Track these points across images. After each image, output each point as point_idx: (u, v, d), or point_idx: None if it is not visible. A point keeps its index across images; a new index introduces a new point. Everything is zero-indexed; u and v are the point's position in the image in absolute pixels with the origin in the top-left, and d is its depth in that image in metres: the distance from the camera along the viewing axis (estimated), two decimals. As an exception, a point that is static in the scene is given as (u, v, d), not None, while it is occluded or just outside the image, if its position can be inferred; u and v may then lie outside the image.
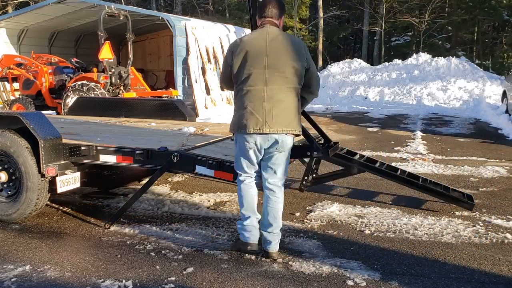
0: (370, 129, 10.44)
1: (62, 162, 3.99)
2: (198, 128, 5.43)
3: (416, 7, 25.92)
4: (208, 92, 12.92)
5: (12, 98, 11.47)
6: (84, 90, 9.99)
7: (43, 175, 3.91)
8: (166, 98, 10.81)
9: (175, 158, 3.72)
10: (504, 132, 9.74)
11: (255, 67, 3.13)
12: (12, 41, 14.67)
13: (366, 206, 4.59)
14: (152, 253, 3.49)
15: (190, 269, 3.21)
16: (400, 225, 4.06)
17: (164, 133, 5.13)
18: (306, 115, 4.20)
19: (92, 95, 9.79)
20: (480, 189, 5.30)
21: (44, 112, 4.61)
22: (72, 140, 4.25)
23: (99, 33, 10.62)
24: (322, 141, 4.27)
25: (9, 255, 3.49)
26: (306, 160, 4.89)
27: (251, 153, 3.25)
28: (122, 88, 11.01)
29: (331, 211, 4.41)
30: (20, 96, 11.24)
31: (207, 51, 13.27)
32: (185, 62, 12.57)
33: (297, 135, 3.31)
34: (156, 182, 4.31)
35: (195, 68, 12.66)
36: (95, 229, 4.02)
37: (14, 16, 14.37)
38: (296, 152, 3.82)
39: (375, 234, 3.86)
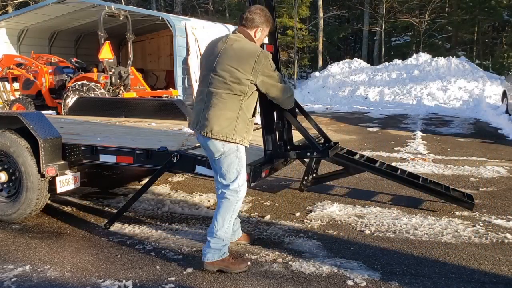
0: (370, 129, 10.44)
1: (62, 162, 3.99)
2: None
3: (416, 7, 25.92)
4: (208, 92, 12.90)
5: (12, 98, 11.47)
6: (84, 90, 9.99)
7: (43, 175, 3.91)
8: (166, 98, 10.81)
9: (175, 158, 3.72)
10: (504, 132, 9.74)
11: (206, 70, 3.13)
12: (12, 41, 14.67)
13: (366, 206, 4.59)
14: (152, 253, 3.49)
15: (190, 269, 3.21)
16: (400, 225, 4.06)
17: (164, 133, 5.13)
18: (306, 114, 4.20)
19: (92, 95, 9.79)
20: (480, 189, 5.30)
21: (44, 112, 4.62)
22: (72, 140, 4.25)
23: (99, 33, 10.62)
24: (322, 141, 4.27)
25: (9, 255, 3.49)
26: (306, 160, 4.89)
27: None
28: (122, 88, 11.01)
29: (331, 211, 4.41)
30: (20, 96, 11.24)
31: (207, 51, 13.25)
32: (185, 62, 12.56)
33: (226, 141, 3.06)
34: (156, 182, 4.31)
35: (195, 68, 12.65)
36: (95, 229, 4.02)
37: (14, 16, 14.36)
38: (297, 152, 3.83)
39: (375, 234, 3.86)
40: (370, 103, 15.83)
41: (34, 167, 3.90)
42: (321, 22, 24.07)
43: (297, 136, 4.01)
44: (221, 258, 3.17)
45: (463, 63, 17.65)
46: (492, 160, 6.96)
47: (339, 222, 4.17)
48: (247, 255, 3.44)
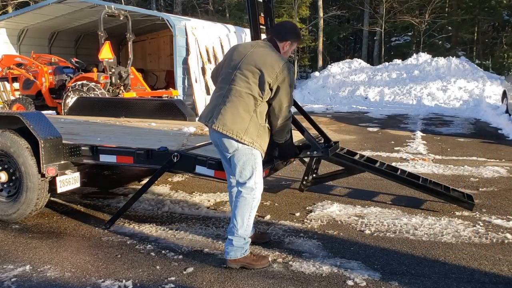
0: (370, 129, 10.44)
1: (62, 162, 3.99)
2: (198, 128, 5.42)
3: (416, 7, 25.93)
4: (208, 92, 12.91)
5: (12, 98, 11.47)
6: (84, 90, 9.99)
7: (43, 175, 3.91)
8: (166, 98, 10.81)
9: (175, 158, 3.72)
10: (504, 132, 9.74)
11: (230, 68, 3.17)
12: (12, 41, 14.67)
13: (366, 206, 4.59)
14: (152, 253, 3.49)
15: (190, 269, 3.21)
16: (400, 225, 4.06)
17: (164, 133, 5.13)
18: (306, 115, 4.21)
19: (92, 95, 9.79)
20: (480, 189, 5.30)
21: (44, 112, 4.61)
22: (72, 140, 4.25)
23: (99, 33, 10.63)
24: (322, 141, 4.27)
25: (9, 255, 3.49)
26: (306, 160, 4.89)
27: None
28: (122, 88, 11.02)
29: (331, 211, 4.41)
30: (20, 96, 11.24)
31: (207, 51, 13.27)
32: (185, 62, 12.57)
33: (239, 142, 3.08)
34: (156, 182, 4.31)
35: (195, 68, 12.66)
36: (95, 229, 4.02)
37: (14, 16, 14.37)
38: (300, 152, 3.83)
39: (375, 234, 3.86)
40: (370, 103, 15.83)
41: (34, 167, 3.90)
42: (321, 22, 24.07)
43: (297, 136, 4.01)
44: (244, 256, 3.21)
45: (463, 63, 17.65)
46: (492, 160, 6.96)
47: (339, 222, 4.17)
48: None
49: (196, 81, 12.58)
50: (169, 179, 5.66)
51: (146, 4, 28.82)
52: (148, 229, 4.01)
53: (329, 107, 15.50)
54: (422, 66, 17.54)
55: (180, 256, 3.43)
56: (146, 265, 3.29)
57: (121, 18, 11.49)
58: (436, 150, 7.78)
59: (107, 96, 10.05)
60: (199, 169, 3.69)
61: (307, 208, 4.55)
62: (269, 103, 3.16)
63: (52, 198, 4.57)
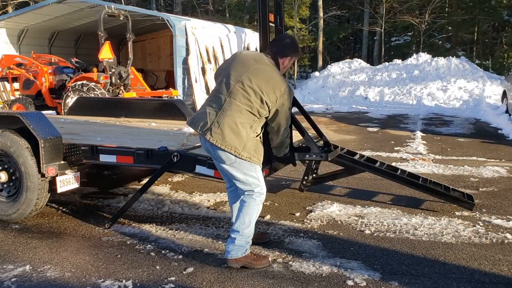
0: (370, 129, 10.43)
1: (62, 162, 3.99)
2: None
3: (416, 7, 25.92)
4: (208, 92, 12.92)
5: (12, 98, 11.47)
6: (84, 90, 9.99)
7: (43, 175, 3.91)
8: (166, 98, 10.82)
9: (175, 158, 3.72)
10: (504, 132, 9.74)
11: (231, 78, 3.13)
12: (12, 41, 14.68)
13: (366, 206, 4.59)
14: (152, 253, 3.49)
15: (190, 269, 3.21)
16: (400, 225, 4.06)
17: (164, 133, 5.13)
18: (306, 115, 4.19)
19: (92, 95, 9.80)
20: (480, 189, 5.30)
21: (44, 112, 4.61)
22: (72, 140, 4.25)
23: (99, 33, 10.63)
24: (322, 142, 4.27)
25: (9, 255, 3.49)
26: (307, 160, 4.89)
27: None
28: (122, 88, 11.02)
29: (331, 211, 4.41)
30: (20, 96, 11.24)
31: (207, 51, 13.27)
32: (185, 62, 12.57)
33: (236, 157, 3.08)
34: (156, 182, 4.31)
35: (195, 68, 12.66)
36: (95, 229, 4.02)
37: (14, 16, 14.38)
38: (296, 154, 3.82)
39: (375, 234, 3.86)
40: (370, 103, 15.83)
41: (34, 167, 3.90)
42: (321, 22, 24.07)
43: (296, 136, 4.01)
44: (244, 255, 3.22)
45: (463, 63, 17.64)
46: (492, 160, 6.96)
47: (339, 222, 4.17)
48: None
49: (196, 81, 12.58)
50: (169, 179, 5.66)
51: (146, 4, 28.82)
52: (148, 229, 4.01)
53: (329, 107, 15.50)
54: (422, 66, 17.54)
55: (180, 256, 3.43)
56: (146, 265, 3.29)
57: (121, 18, 11.49)
58: (436, 150, 7.78)
59: (107, 96, 10.05)
60: (199, 169, 3.69)
61: (307, 208, 4.55)
62: (267, 123, 3.23)
63: (52, 198, 4.57)
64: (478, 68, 18.33)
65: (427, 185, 4.51)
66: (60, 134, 4.05)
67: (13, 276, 3.14)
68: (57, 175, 3.91)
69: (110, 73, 10.56)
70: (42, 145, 3.84)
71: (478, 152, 7.55)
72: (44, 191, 4.02)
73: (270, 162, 3.76)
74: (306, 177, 4.89)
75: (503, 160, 6.96)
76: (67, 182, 4.01)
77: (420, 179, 4.57)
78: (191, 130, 5.19)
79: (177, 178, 5.73)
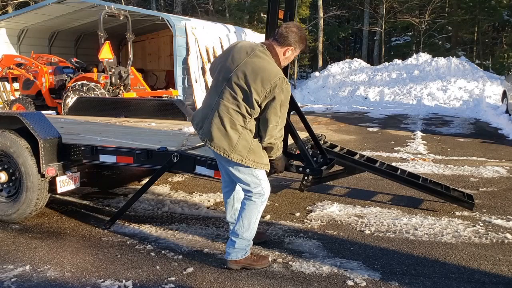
0: (370, 129, 10.43)
1: (62, 162, 3.99)
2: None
3: (416, 7, 25.91)
4: (208, 92, 12.92)
5: (12, 98, 11.47)
6: (84, 90, 10.00)
7: (43, 175, 3.91)
8: (166, 98, 10.82)
9: (175, 158, 3.72)
10: (504, 132, 9.74)
11: (220, 78, 3.00)
12: (12, 41, 14.68)
13: (366, 206, 4.59)
14: (152, 253, 3.49)
15: (190, 269, 3.21)
16: (400, 225, 4.06)
17: (164, 133, 5.13)
18: (305, 120, 4.09)
19: (92, 95, 9.80)
20: (480, 189, 5.30)
21: (44, 112, 4.62)
22: (72, 140, 4.25)
23: (99, 33, 10.63)
24: (321, 142, 4.25)
25: (9, 255, 3.49)
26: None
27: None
28: (122, 88, 11.02)
29: (331, 211, 4.41)
30: (20, 96, 11.25)
31: (207, 51, 13.27)
32: (185, 62, 12.57)
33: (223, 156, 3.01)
34: (156, 182, 4.31)
35: (195, 68, 12.67)
36: (95, 229, 4.02)
37: (14, 16, 14.38)
38: (290, 165, 3.78)
39: (375, 234, 3.86)
40: (370, 103, 15.84)
41: (34, 167, 3.90)
42: (321, 22, 24.07)
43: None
44: (244, 257, 3.20)
45: (463, 63, 17.65)
46: (492, 160, 6.96)
47: (339, 222, 4.17)
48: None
49: (196, 81, 12.58)
50: (169, 179, 5.66)
51: (146, 4, 28.81)
52: (148, 229, 4.01)
53: (329, 107, 15.50)
54: (422, 66, 17.55)
55: (180, 256, 3.43)
56: (146, 265, 3.29)
57: (121, 18, 11.49)
58: (436, 150, 7.78)
59: (107, 96, 10.05)
60: (199, 169, 3.69)
61: (307, 208, 4.55)
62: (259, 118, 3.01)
63: (52, 198, 4.57)
64: (478, 68, 18.33)
65: (427, 185, 4.51)
66: (60, 134, 4.05)
67: (13, 276, 3.14)
68: (57, 175, 3.92)
69: (110, 73, 10.56)
70: (42, 145, 3.84)
71: (478, 152, 7.54)
72: (44, 191, 4.02)
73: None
74: (306, 177, 4.88)
75: (503, 160, 6.96)
76: (67, 182, 4.01)
77: (420, 179, 4.56)
78: (191, 130, 5.19)
79: (177, 178, 5.73)
